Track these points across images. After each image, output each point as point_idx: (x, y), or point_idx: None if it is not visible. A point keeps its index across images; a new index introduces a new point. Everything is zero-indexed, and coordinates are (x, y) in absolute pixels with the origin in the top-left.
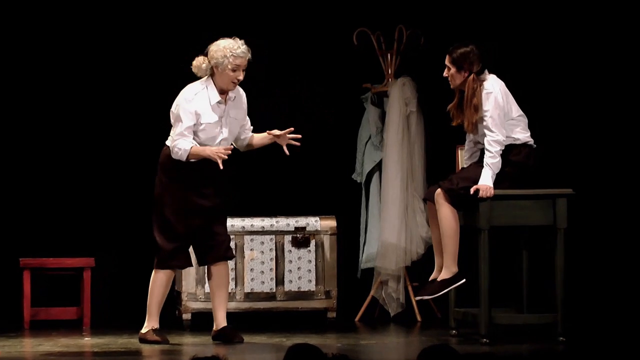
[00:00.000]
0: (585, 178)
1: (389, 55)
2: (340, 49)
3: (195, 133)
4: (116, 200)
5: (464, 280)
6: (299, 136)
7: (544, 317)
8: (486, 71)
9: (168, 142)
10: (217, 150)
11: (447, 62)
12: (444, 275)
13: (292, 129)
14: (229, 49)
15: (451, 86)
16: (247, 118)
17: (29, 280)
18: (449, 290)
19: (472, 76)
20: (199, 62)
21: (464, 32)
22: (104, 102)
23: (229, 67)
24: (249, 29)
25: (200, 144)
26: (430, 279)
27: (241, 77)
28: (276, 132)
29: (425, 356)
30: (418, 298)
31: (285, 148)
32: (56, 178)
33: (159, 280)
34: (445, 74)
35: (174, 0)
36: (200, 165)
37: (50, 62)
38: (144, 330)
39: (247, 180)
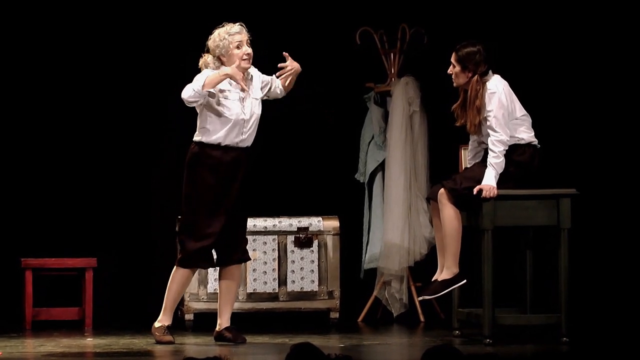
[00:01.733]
0: (589, 178)
1: (391, 54)
2: (342, 48)
3: (217, 114)
4: (118, 200)
5: (464, 280)
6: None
7: (547, 318)
8: (490, 72)
9: (195, 138)
10: (235, 72)
11: (452, 59)
12: (445, 275)
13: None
14: (224, 32)
15: (454, 84)
16: (267, 77)
17: (30, 281)
18: (449, 291)
19: (475, 77)
20: (206, 59)
21: (467, 31)
22: (106, 103)
23: (232, 46)
24: (249, 28)
25: (222, 123)
26: (432, 279)
27: (250, 51)
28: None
29: (429, 357)
30: (419, 298)
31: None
32: (57, 178)
33: (178, 277)
34: (449, 71)
35: (174, 0)
36: (232, 160)
37: (53, 63)
38: (156, 325)
39: (249, 180)
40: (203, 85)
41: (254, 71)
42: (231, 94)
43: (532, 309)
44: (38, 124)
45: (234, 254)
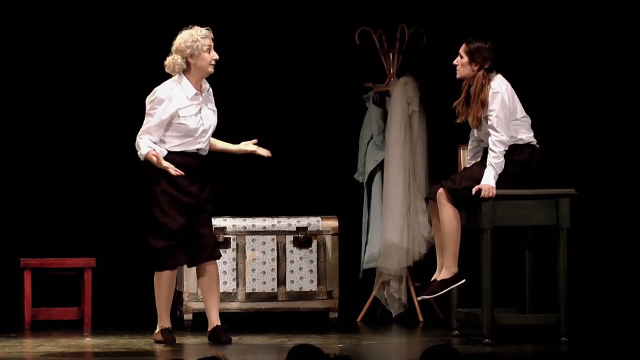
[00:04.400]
0: (588, 178)
1: (390, 54)
2: (341, 48)
3: (174, 129)
4: (117, 200)
5: (464, 280)
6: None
7: (546, 318)
8: (494, 71)
9: None
10: (170, 167)
11: (461, 50)
12: (444, 275)
13: (255, 140)
14: (195, 35)
15: (457, 75)
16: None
17: (29, 281)
18: (448, 290)
19: (482, 72)
20: (173, 60)
21: (466, 32)
22: (105, 103)
23: (204, 48)
24: (247, 29)
25: (180, 136)
26: (432, 279)
27: (217, 57)
28: (250, 147)
29: (428, 357)
30: (418, 298)
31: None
32: (57, 178)
33: (160, 282)
34: (455, 61)
35: (173, 1)
36: (186, 164)
37: (52, 63)
38: (155, 331)
39: (249, 180)
40: (144, 159)
41: (208, 86)
42: (189, 109)
43: (531, 309)
44: (37, 124)
45: (202, 252)
